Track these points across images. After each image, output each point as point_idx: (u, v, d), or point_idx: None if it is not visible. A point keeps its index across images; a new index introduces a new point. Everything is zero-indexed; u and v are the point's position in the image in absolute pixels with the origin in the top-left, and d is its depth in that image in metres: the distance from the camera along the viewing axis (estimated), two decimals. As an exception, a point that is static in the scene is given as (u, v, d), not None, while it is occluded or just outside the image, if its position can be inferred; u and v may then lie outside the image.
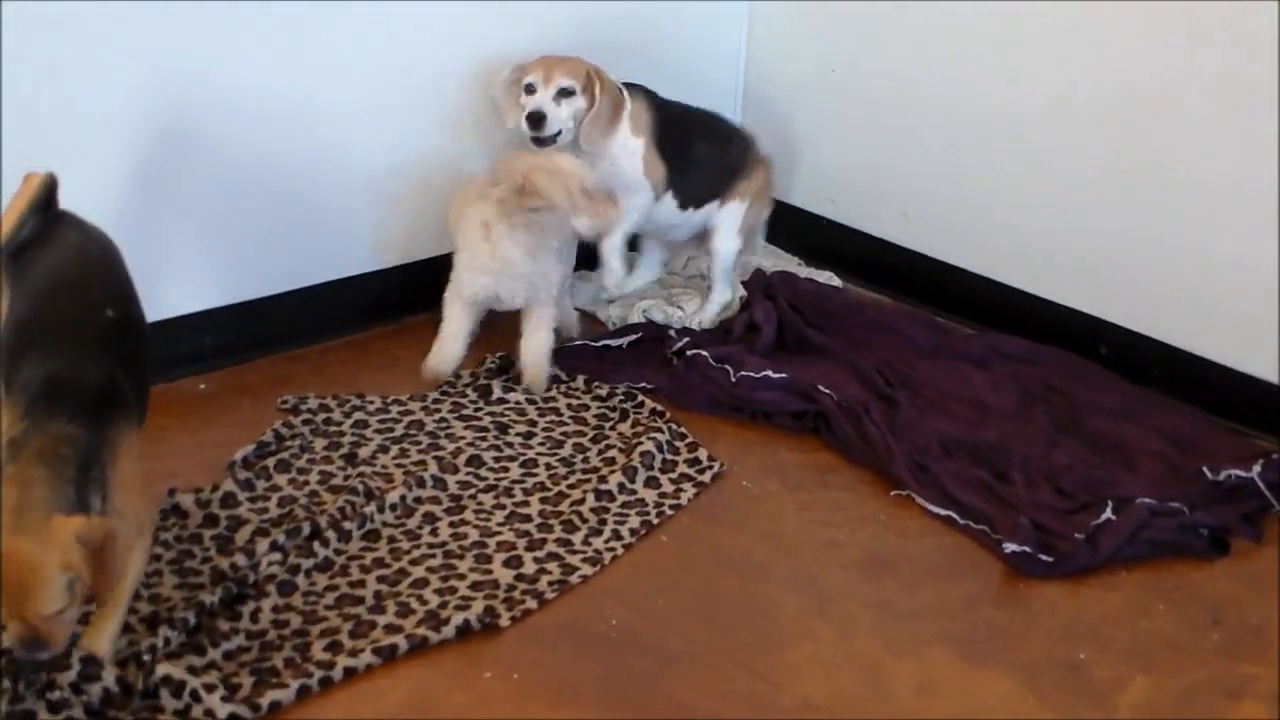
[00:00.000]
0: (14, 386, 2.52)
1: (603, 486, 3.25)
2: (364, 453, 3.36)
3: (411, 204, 3.95)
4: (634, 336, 3.90)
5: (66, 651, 2.49)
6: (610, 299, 4.10)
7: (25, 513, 2.31)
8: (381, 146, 3.86)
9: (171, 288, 3.56)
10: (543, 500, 3.23)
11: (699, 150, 4.01)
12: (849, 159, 4.35)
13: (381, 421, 3.50)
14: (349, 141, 3.80)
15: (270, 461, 3.27)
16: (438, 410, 3.57)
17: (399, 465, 3.33)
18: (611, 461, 3.39)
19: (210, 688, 2.52)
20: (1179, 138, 3.61)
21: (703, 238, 4.13)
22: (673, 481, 3.33)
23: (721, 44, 4.51)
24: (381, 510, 3.11)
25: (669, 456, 3.41)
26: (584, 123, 3.75)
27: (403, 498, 3.17)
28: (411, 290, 3.94)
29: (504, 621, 2.82)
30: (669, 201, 3.98)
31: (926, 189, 4.22)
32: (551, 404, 3.62)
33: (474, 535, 3.09)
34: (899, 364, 3.79)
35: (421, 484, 3.23)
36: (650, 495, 3.27)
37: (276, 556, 2.91)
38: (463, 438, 3.46)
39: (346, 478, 3.26)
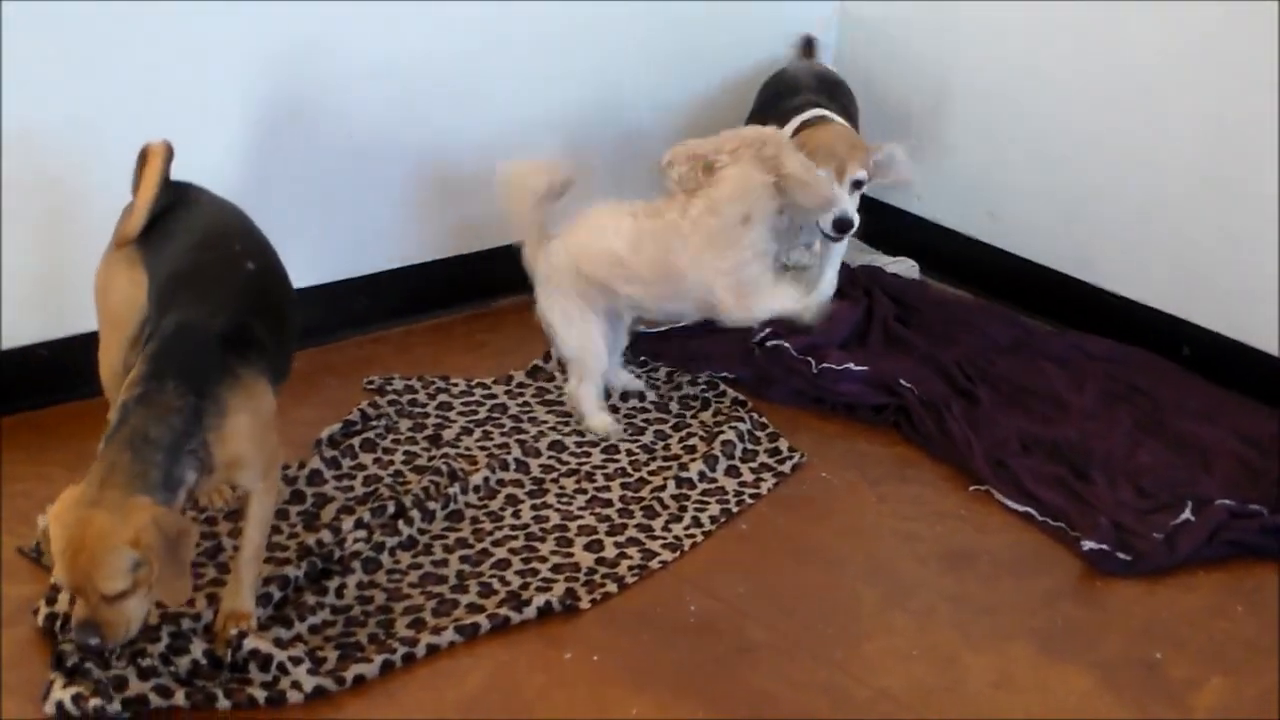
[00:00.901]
0: (155, 334, 2.58)
1: (683, 474, 3.28)
2: (448, 434, 3.40)
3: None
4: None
5: (155, 625, 2.55)
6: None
7: (108, 489, 2.37)
8: (493, 128, 3.87)
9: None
10: (624, 486, 3.26)
11: None
12: (937, 157, 4.34)
13: (465, 404, 3.54)
14: (462, 124, 3.83)
15: (356, 440, 3.31)
16: (521, 395, 3.60)
17: (482, 448, 3.37)
18: (692, 449, 3.41)
19: (296, 661, 2.58)
20: (1268, 142, 3.59)
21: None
22: (753, 471, 3.35)
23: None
24: (465, 491, 3.15)
25: (750, 446, 3.43)
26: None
27: (486, 479, 3.21)
28: (494, 276, 3.91)
29: (584, 604, 2.85)
30: None
31: (1013, 188, 4.22)
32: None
33: (555, 518, 3.13)
34: (979, 360, 3.79)
35: (505, 466, 3.27)
36: (730, 484, 3.29)
37: (361, 534, 2.96)
38: (545, 422, 3.49)
39: (431, 458, 3.30)
